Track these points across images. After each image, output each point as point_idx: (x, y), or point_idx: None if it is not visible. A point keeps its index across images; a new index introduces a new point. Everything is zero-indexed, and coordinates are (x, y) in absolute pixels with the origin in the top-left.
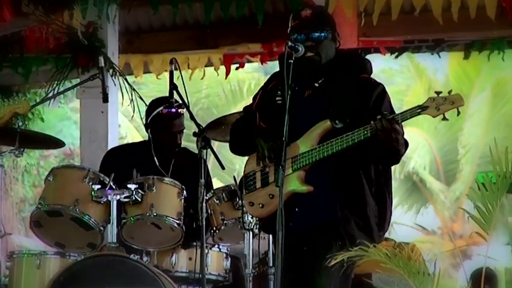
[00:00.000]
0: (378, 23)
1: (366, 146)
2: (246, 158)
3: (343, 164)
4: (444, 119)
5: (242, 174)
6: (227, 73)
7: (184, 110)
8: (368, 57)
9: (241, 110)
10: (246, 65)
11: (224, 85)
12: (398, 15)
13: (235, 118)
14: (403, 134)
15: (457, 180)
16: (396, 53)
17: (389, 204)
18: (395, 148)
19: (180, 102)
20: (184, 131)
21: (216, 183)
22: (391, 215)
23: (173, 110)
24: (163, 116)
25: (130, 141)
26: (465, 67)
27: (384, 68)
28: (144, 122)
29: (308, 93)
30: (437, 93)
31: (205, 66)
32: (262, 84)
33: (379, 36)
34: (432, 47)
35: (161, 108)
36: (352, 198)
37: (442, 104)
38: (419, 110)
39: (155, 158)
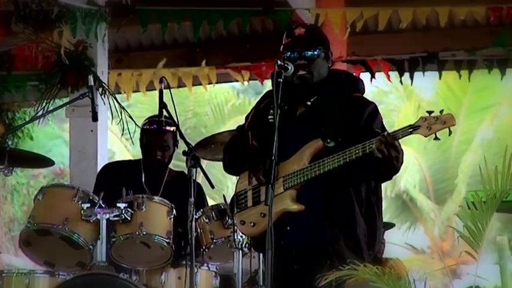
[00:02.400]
0: (366, 41)
1: (358, 165)
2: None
3: (334, 183)
4: (436, 138)
5: (233, 192)
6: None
7: (174, 128)
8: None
9: (230, 128)
10: (234, 84)
11: (211, 104)
12: (387, 33)
13: (225, 137)
14: (402, 151)
15: (447, 199)
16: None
17: (380, 223)
18: (394, 164)
19: (170, 120)
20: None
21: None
22: (381, 234)
23: (155, 126)
24: (149, 131)
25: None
26: (453, 86)
27: (372, 87)
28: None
29: (300, 112)
30: (429, 112)
31: (195, 85)
32: (253, 103)
33: (368, 54)
34: (423, 64)
35: (145, 122)
36: (342, 217)
37: (433, 124)
38: (410, 130)
39: (142, 176)
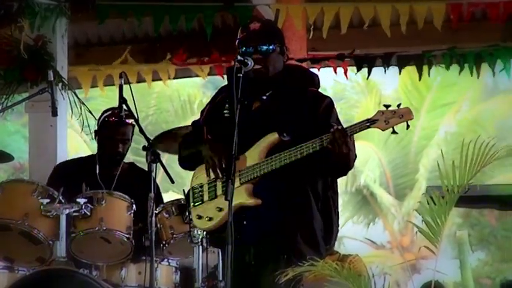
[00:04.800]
0: (327, 37)
1: (314, 159)
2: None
3: (290, 177)
4: (393, 132)
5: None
6: None
7: (133, 121)
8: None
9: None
10: (196, 79)
11: (173, 100)
12: (348, 29)
13: (184, 131)
14: (354, 147)
15: (407, 194)
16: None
17: (336, 218)
18: (346, 160)
19: (130, 115)
20: (134, 145)
21: (167, 197)
22: (338, 228)
23: (115, 118)
24: (109, 123)
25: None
26: (416, 82)
27: (334, 82)
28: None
29: (256, 106)
30: (387, 106)
31: (155, 80)
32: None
33: (328, 50)
34: (384, 60)
35: (106, 114)
36: (298, 211)
37: (391, 118)
38: (368, 124)
39: (97, 169)
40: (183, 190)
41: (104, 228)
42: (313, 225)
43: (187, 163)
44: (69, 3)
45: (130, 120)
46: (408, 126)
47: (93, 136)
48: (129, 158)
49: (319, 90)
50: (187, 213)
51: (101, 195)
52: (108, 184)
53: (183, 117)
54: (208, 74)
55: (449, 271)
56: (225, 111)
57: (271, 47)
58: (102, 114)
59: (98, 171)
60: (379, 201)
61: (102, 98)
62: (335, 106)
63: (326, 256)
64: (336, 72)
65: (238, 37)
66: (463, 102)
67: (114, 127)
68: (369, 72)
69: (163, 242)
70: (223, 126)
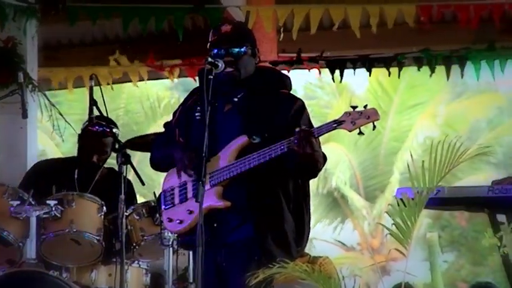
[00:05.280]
0: (297, 38)
1: (284, 160)
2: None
3: (260, 179)
4: (360, 133)
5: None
6: None
7: (117, 131)
8: (290, 72)
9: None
10: (165, 81)
11: (143, 102)
12: (318, 31)
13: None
14: (320, 148)
15: (377, 196)
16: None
17: (308, 219)
18: (312, 162)
19: (107, 120)
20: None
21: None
22: (309, 230)
23: (98, 128)
24: (91, 132)
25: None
26: (384, 83)
27: (305, 83)
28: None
29: (227, 108)
30: (353, 107)
31: (125, 82)
32: (181, 100)
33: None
34: (354, 62)
35: (86, 124)
36: (269, 213)
37: (357, 119)
38: (335, 125)
39: (75, 173)
40: (154, 192)
41: (74, 230)
42: (284, 227)
43: (158, 165)
44: (39, 4)
45: (114, 130)
46: (374, 127)
47: (77, 140)
48: None
49: (291, 92)
50: (158, 216)
51: (71, 197)
52: (86, 188)
53: (153, 118)
54: (178, 76)
55: (419, 273)
56: (196, 114)
57: (242, 49)
58: (84, 122)
59: (76, 176)
60: (349, 203)
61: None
62: (307, 108)
63: (297, 258)
64: (313, 73)
65: (210, 39)
66: (432, 104)
67: (92, 138)
68: (341, 75)
69: (134, 244)
70: (194, 129)
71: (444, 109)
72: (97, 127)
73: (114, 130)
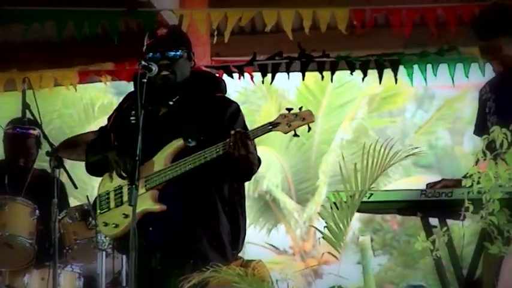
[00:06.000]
0: (231, 42)
1: (220, 163)
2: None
3: (196, 182)
4: (295, 135)
5: (96, 194)
6: None
7: (38, 132)
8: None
9: (96, 129)
10: (98, 84)
11: (77, 105)
12: (251, 35)
13: (90, 137)
14: (256, 151)
15: (309, 199)
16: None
17: (243, 223)
18: (248, 164)
19: (33, 121)
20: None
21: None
22: (245, 233)
23: (18, 130)
24: (13, 136)
25: None
26: (313, 87)
27: (236, 87)
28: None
29: (163, 112)
30: (288, 109)
31: (58, 85)
32: (115, 103)
33: (232, 55)
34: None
35: (9, 127)
36: (205, 216)
37: (293, 121)
38: (270, 127)
39: (6, 178)
40: (87, 196)
41: (7, 233)
42: (219, 230)
43: (94, 169)
44: None
45: (34, 131)
46: (309, 128)
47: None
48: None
49: (226, 95)
50: (91, 219)
51: (3, 200)
52: (18, 191)
53: (86, 121)
54: (112, 79)
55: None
56: (131, 118)
57: (178, 52)
58: (7, 125)
59: (6, 181)
60: (281, 206)
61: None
62: (242, 111)
63: (232, 261)
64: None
65: (146, 43)
66: (360, 107)
67: (15, 140)
68: (272, 78)
69: (67, 248)
70: (130, 133)
71: (372, 112)
72: (18, 129)
73: (32, 131)
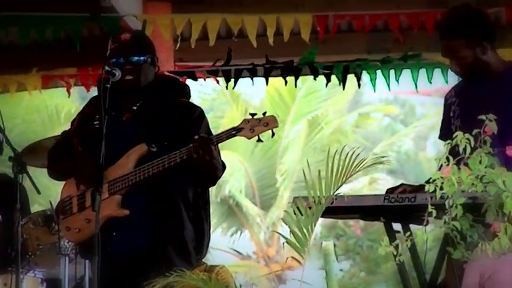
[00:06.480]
0: (195, 48)
1: (184, 168)
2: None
3: (160, 187)
4: (259, 140)
5: (59, 199)
6: None
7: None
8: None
9: (59, 134)
10: (62, 89)
11: (41, 110)
12: (216, 40)
13: (51, 142)
14: (220, 156)
15: (273, 204)
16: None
17: (207, 228)
18: (211, 170)
19: None
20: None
21: (33, 209)
22: (209, 239)
23: None
24: None
25: None
26: (282, 92)
27: (200, 93)
28: None
29: (126, 117)
30: (252, 115)
31: (21, 90)
32: (79, 109)
33: (195, 61)
34: (251, 71)
35: None
36: (169, 222)
37: (256, 126)
38: (234, 132)
39: None
40: (50, 201)
41: None
42: (183, 235)
43: (57, 174)
44: None
45: None
46: (273, 134)
47: None
48: None
49: (190, 100)
50: (54, 224)
51: None
52: None
53: (51, 127)
54: (75, 85)
55: (315, 281)
56: (95, 123)
57: (142, 57)
58: None
59: None
60: (244, 211)
61: None
62: (206, 117)
63: (196, 267)
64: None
65: (110, 47)
66: (328, 113)
67: None
68: (235, 83)
69: (29, 253)
70: (93, 138)
71: (340, 118)
72: None
73: None
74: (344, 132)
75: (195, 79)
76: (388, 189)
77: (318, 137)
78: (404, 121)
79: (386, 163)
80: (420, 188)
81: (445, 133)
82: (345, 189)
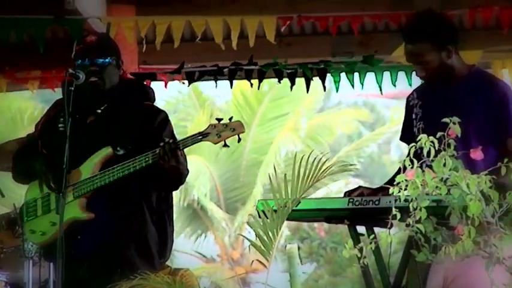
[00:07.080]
0: (160, 50)
1: (148, 172)
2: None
3: (124, 191)
4: (225, 145)
5: (23, 201)
6: None
7: None
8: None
9: (22, 137)
10: (25, 92)
11: (4, 113)
12: (181, 43)
13: (14, 145)
14: (186, 161)
15: (238, 208)
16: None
17: (171, 231)
18: (177, 175)
19: None
20: None
21: None
22: (172, 242)
23: None
24: None
25: None
26: (247, 95)
27: (166, 96)
28: None
29: (90, 120)
30: (219, 120)
31: None
32: (44, 111)
33: (160, 63)
34: (215, 74)
35: None
36: (132, 225)
37: (223, 131)
38: (200, 137)
39: None
40: (14, 204)
41: None
42: (147, 239)
43: (21, 177)
44: None
45: None
46: (240, 139)
47: None
48: None
49: (154, 104)
50: (17, 227)
51: None
52: None
53: (14, 130)
54: (38, 87)
55: (280, 284)
56: (59, 125)
57: (107, 60)
58: None
59: None
60: (209, 214)
61: None
62: (170, 120)
63: (160, 270)
64: (166, 87)
65: (75, 49)
66: (295, 116)
67: None
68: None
69: None
70: (58, 140)
71: (307, 121)
72: None
73: None
74: (312, 136)
75: (158, 80)
76: (346, 192)
77: (284, 140)
78: (372, 125)
79: (352, 170)
80: (378, 190)
81: (406, 134)
82: (322, 192)
